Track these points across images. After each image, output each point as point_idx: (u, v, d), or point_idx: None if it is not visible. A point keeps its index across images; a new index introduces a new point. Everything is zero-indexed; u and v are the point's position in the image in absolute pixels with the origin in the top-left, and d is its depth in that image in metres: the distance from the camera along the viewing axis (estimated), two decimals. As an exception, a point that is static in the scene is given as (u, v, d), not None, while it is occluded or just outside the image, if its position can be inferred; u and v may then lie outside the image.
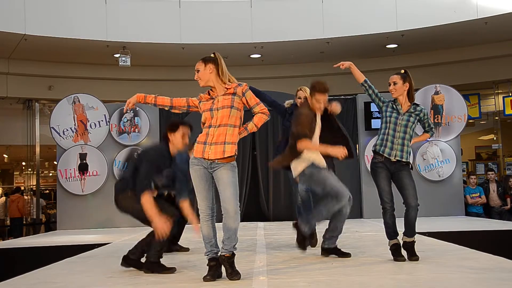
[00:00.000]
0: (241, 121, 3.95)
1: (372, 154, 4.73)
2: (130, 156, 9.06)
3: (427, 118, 4.88)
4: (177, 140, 4.43)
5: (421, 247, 5.33)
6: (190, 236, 5.71)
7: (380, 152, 4.64)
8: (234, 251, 3.85)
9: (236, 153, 3.86)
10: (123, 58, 11.37)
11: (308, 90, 5.17)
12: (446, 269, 4.14)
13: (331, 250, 4.89)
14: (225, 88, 3.90)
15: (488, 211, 10.11)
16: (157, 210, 4.09)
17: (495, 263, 4.29)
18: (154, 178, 4.25)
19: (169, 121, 4.86)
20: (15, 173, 21.49)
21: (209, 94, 3.95)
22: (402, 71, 4.82)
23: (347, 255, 4.84)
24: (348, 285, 3.66)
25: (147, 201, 4.09)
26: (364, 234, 6.89)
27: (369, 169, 4.82)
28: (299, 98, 5.65)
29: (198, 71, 3.95)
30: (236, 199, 3.78)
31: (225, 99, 3.86)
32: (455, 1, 10.93)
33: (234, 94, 3.88)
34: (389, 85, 4.79)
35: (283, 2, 11.71)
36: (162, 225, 4.07)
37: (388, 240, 4.69)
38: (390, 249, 4.65)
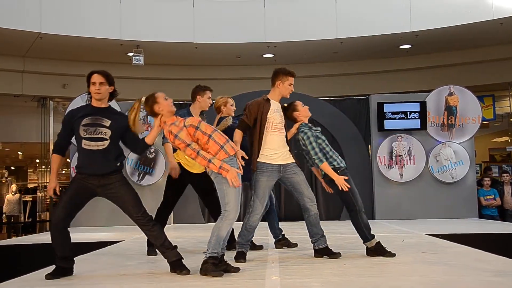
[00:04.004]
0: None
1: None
2: (143, 155, 9.12)
3: None
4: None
5: (434, 249, 5.31)
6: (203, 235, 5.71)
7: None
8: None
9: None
10: (137, 57, 11.43)
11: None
12: (460, 272, 4.11)
13: (322, 251, 4.91)
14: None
15: (502, 214, 10.01)
16: None
17: (509, 266, 4.25)
18: None
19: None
20: (29, 170, 21.70)
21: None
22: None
23: (337, 255, 4.84)
24: (361, 286, 3.65)
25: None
26: (376, 235, 6.84)
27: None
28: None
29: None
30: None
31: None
32: (470, 1, 10.84)
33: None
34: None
35: (297, 2, 11.70)
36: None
37: (372, 240, 4.83)
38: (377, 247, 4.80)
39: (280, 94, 4.93)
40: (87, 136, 4.07)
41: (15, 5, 10.58)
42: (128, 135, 4.15)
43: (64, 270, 4.11)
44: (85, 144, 4.06)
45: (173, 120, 4.08)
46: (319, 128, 5.08)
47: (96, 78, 4.14)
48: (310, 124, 5.05)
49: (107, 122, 4.10)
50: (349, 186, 4.79)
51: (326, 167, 4.82)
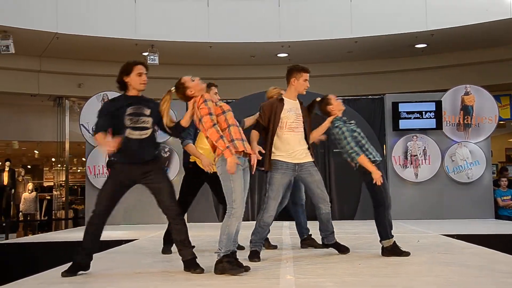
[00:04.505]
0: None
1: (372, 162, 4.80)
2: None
3: None
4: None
5: (450, 250, 5.26)
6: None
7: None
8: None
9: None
10: (151, 57, 11.49)
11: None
12: (476, 272, 4.07)
13: (330, 246, 5.05)
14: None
15: (518, 215, 9.91)
16: None
17: (526, 268, 4.20)
18: None
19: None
20: (44, 169, 21.94)
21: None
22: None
23: (346, 250, 4.97)
24: (375, 286, 3.63)
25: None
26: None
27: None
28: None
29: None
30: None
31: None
32: (487, 0, 10.72)
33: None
34: None
35: (311, 1, 11.67)
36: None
37: (390, 239, 4.79)
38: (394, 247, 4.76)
39: (296, 91, 4.92)
40: (131, 125, 4.14)
41: (32, 5, 10.70)
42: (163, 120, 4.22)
43: (81, 266, 4.15)
44: (130, 133, 4.13)
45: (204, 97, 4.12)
46: (353, 121, 5.03)
47: (143, 69, 4.28)
48: (344, 118, 4.98)
49: (148, 111, 4.20)
50: (382, 181, 4.74)
51: (363, 160, 4.75)
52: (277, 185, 4.79)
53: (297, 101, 4.95)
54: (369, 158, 4.79)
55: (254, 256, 4.70)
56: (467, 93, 9.57)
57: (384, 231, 4.79)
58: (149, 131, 4.17)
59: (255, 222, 4.93)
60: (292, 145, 4.80)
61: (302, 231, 5.73)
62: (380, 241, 4.83)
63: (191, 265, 4.12)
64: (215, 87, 5.45)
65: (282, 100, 4.89)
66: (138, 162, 4.15)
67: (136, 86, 4.25)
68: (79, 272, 4.11)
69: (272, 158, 4.79)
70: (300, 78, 4.87)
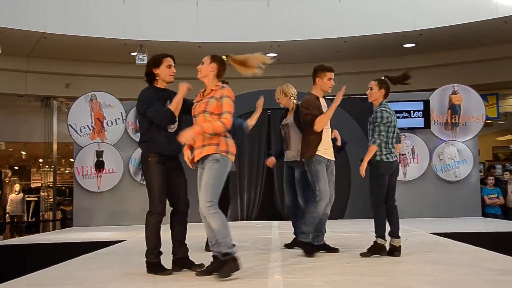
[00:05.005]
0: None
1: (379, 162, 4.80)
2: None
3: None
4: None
5: (438, 248, 5.30)
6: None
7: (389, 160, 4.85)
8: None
9: (219, 150, 3.90)
10: (140, 57, 11.44)
11: (288, 88, 5.52)
12: (463, 270, 4.11)
13: (320, 247, 5.08)
14: (211, 89, 4.05)
15: (505, 213, 9.99)
16: None
17: (513, 265, 4.24)
18: None
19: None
20: (32, 170, 21.74)
21: (200, 95, 4.12)
22: (382, 77, 5.01)
23: (335, 250, 5.07)
24: (364, 285, 3.65)
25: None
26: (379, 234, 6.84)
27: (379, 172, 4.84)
28: (278, 98, 5.70)
29: (202, 63, 4.13)
30: (203, 191, 3.87)
31: (202, 103, 4.02)
32: (474, 0, 10.81)
33: (212, 97, 4.00)
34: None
35: (300, 1, 11.69)
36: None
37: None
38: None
39: (321, 90, 5.10)
40: None
41: (19, 5, 10.61)
42: (184, 110, 4.21)
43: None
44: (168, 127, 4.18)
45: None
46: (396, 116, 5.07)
47: (171, 61, 4.31)
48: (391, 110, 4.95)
49: None
50: (363, 175, 4.76)
51: (370, 150, 4.78)
52: (324, 175, 4.89)
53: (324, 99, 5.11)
54: (376, 155, 4.79)
55: (308, 250, 4.86)
56: (454, 93, 9.63)
57: (381, 231, 4.82)
58: (177, 124, 4.21)
59: (305, 214, 4.96)
60: (326, 142, 4.99)
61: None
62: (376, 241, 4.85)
63: (190, 263, 4.18)
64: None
65: (318, 98, 5.05)
66: (174, 155, 4.21)
67: (166, 78, 4.27)
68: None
69: (316, 153, 4.91)
70: (324, 77, 5.06)
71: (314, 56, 12.78)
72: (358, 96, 10.40)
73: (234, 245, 3.87)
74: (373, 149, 4.78)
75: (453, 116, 9.55)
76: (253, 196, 9.98)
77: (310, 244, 4.94)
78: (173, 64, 4.31)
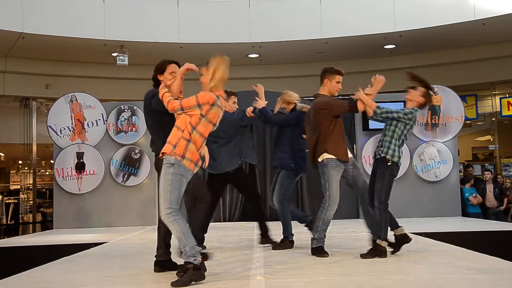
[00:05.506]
0: (188, 125, 3.96)
1: (391, 161, 4.92)
2: (127, 155, 9.12)
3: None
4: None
5: (418, 247, 5.34)
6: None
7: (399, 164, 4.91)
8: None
9: (174, 152, 3.79)
10: (121, 57, 11.35)
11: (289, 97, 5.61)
12: (443, 270, 4.14)
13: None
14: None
15: (484, 212, 10.14)
16: None
17: (492, 264, 4.29)
18: None
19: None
20: (11, 171, 21.42)
21: None
22: (435, 90, 5.05)
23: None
24: (345, 285, 3.66)
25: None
26: (362, 234, 6.87)
27: (393, 173, 4.95)
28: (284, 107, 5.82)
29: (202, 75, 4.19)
30: (162, 197, 3.73)
31: None
32: (453, 2, 10.96)
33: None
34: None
35: (282, 2, 11.72)
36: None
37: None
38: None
39: (329, 92, 5.08)
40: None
41: (-4, 4, 10.45)
42: None
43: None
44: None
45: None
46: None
47: (176, 68, 4.47)
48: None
49: None
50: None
51: (373, 103, 4.87)
52: (337, 183, 4.85)
53: None
54: (380, 153, 4.88)
55: (322, 251, 4.77)
56: (434, 93, 9.73)
57: (379, 231, 4.84)
58: None
59: (317, 220, 4.90)
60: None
61: (304, 218, 5.75)
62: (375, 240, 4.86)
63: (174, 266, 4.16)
64: (235, 96, 5.56)
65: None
66: None
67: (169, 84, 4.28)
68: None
69: (331, 156, 4.86)
70: (333, 79, 5.04)
71: (296, 57, 12.86)
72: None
73: (199, 253, 3.68)
74: (374, 105, 4.76)
75: (433, 117, 9.65)
76: (235, 197, 9.97)
77: (321, 248, 4.84)
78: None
